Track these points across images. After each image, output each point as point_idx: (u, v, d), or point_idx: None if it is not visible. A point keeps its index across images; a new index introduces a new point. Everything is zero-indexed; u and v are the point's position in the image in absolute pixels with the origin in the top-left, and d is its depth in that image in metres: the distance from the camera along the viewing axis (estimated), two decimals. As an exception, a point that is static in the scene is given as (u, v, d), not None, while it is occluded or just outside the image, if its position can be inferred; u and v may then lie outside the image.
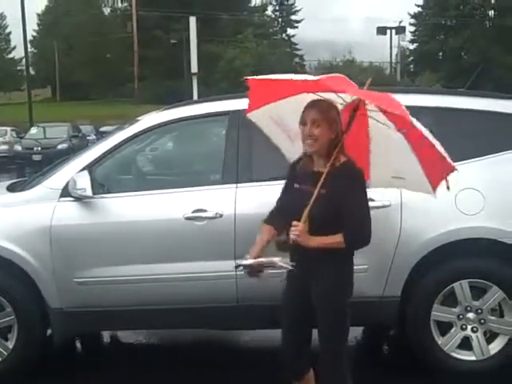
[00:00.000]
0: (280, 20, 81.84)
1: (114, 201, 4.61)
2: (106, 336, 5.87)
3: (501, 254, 4.49)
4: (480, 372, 4.53)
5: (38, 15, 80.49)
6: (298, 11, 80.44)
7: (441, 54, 71.18)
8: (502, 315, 4.57)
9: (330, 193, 3.29)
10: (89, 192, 4.44)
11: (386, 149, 3.45)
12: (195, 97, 25.03)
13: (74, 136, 27.85)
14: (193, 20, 28.44)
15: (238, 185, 4.54)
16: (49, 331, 4.80)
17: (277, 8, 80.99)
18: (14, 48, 77.26)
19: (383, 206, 4.38)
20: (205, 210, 4.47)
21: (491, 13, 69.33)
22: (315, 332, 3.55)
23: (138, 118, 5.15)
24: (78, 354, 5.70)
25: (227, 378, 4.75)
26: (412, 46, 75.14)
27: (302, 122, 3.36)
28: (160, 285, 4.51)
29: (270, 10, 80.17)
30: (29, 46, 40.96)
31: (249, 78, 3.49)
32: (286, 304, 3.60)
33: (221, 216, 4.46)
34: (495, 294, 4.51)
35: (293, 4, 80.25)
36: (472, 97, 4.91)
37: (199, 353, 5.38)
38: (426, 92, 5.02)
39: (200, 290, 4.50)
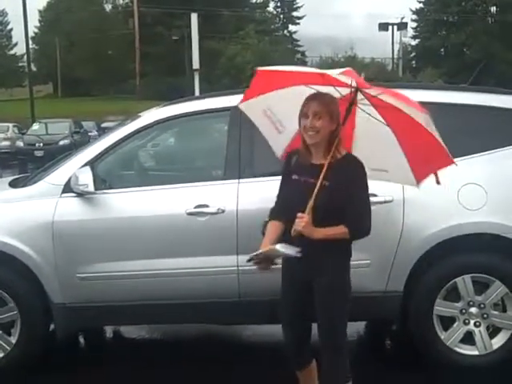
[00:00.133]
0: (282, 16, 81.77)
1: (116, 196, 4.62)
2: (108, 331, 5.88)
3: (503, 249, 4.49)
4: (482, 367, 4.53)
5: (40, 12, 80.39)
6: (299, 7, 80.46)
7: (443, 49, 71.08)
8: (504, 310, 4.57)
9: (333, 184, 3.33)
10: (91, 188, 4.44)
11: (371, 142, 3.49)
12: (197, 93, 25.00)
13: (75, 132, 27.86)
14: (194, 16, 28.40)
15: (240, 180, 4.54)
16: (51, 326, 4.81)
17: (278, 4, 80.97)
18: (16, 44, 77.30)
19: (385, 202, 4.38)
20: (207, 206, 4.47)
21: (493, 9, 69.19)
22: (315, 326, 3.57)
23: (140, 114, 5.15)
24: (81, 349, 5.70)
25: (229, 373, 4.75)
26: (414, 42, 75.15)
27: (303, 115, 3.38)
28: (162, 280, 4.52)
29: (271, 7, 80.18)
30: (30, 42, 40.97)
31: (259, 68, 3.48)
32: (285, 299, 3.61)
33: (223, 211, 4.46)
34: (498, 289, 4.51)
35: (294, 0, 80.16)
36: (474, 92, 4.91)
37: (201, 348, 5.38)
38: (428, 88, 5.01)
39: (202, 285, 4.51)
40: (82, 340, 5.77)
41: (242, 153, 4.59)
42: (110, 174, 4.83)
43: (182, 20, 54.18)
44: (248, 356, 5.14)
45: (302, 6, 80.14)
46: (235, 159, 4.60)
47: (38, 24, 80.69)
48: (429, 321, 4.53)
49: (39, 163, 16.87)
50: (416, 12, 72.27)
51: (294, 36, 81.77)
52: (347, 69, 3.37)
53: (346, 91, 3.49)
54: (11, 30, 79.87)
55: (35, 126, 28.16)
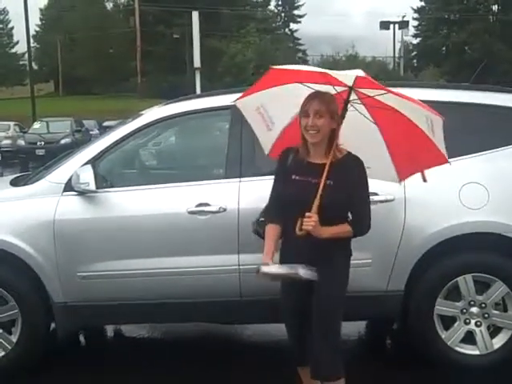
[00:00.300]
0: (283, 15, 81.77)
1: (118, 195, 4.61)
2: (109, 330, 5.89)
3: (505, 249, 4.48)
4: (483, 366, 4.52)
5: (41, 10, 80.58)
6: (300, 6, 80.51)
7: (444, 48, 71.02)
8: (505, 309, 4.57)
9: (336, 183, 3.36)
10: (92, 186, 4.43)
11: (356, 139, 3.50)
12: (198, 92, 25.01)
13: (77, 130, 27.87)
14: (195, 15, 28.43)
15: (242, 179, 4.54)
16: (52, 325, 4.81)
17: (279, 3, 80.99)
18: (17, 43, 77.27)
19: (387, 201, 4.38)
20: (208, 205, 4.47)
21: (495, 7, 69.13)
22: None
23: (141, 112, 5.14)
24: (82, 348, 5.70)
25: (230, 372, 4.75)
26: (415, 41, 75.13)
27: (304, 114, 3.39)
28: (163, 279, 4.51)
29: (272, 5, 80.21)
30: (31, 40, 40.99)
31: (273, 67, 3.50)
32: (285, 298, 3.62)
33: (224, 210, 4.46)
34: (499, 289, 4.50)
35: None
36: (476, 91, 4.90)
37: (202, 347, 5.38)
38: (429, 86, 5.00)
39: (203, 284, 4.50)
40: (82, 339, 5.76)
41: (243, 151, 4.58)
42: (112, 172, 4.83)
43: (183, 18, 54.18)
44: (249, 355, 5.14)
45: (303, 5, 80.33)
46: (236, 158, 4.59)
47: (40, 22, 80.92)
48: (430, 320, 4.52)
49: (40, 162, 16.85)
50: (417, 10, 72.23)
51: (295, 34, 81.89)
52: (361, 75, 3.36)
53: (341, 89, 3.51)
54: (12, 28, 79.89)
55: (36, 125, 28.16)
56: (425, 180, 3.75)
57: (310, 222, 3.29)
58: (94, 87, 68.77)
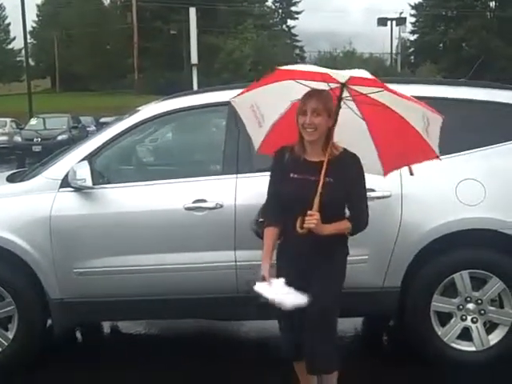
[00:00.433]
0: (280, 11, 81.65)
1: (114, 191, 4.61)
2: (105, 326, 5.88)
3: (501, 245, 4.49)
4: (479, 363, 4.53)
5: (38, 6, 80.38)
6: (298, 2, 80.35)
7: (441, 45, 71.05)
8: (501, 306, 4.58)
9: (334, 181, 3.39)
10: (89, 182, 4.43)
11: (343, 133, 3.52)
12: (195, 88, 24.96)
13: (73, 127, 27.78)
14: (192, 11, 28.32)
15: (239, 175, 4.53)
16: (49, 322, 4.80)
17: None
18: (14, 39, 77.04)
19: (384, 197, 4.38)
20: (205, 201, 4.47)
21: (492, 4, 69.14)
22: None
23: (138, 109, 5.13)
24: (78, 345, 5.70)
25: (227, 369, 4.76)
26: (412, 37, 75.15)
27: (302, 112, 3.40)
28: (160, 275, 4.51)
29: (270, 1, 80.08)
30: (28, 36, 40.89)
31: (280, 67, 3.51)
32: None
33: (221, 206, 4.46)
34: (495, 285, 4.51)
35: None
36: (472, 87, 4.90)
37: (198, 343, 5.38)
38: (425, 82, 5.00)
39: (200, 280, 4.50)
40: (79, 335, 5.76)
41: (240, 147, 4.57)
42: (108, 168, 4.82)
43: (180, 14, 54.14)
44: (245, 352, 5.14)
45: (300, 1, 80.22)
46: (233, 154, 4.59)
47: (36, 18, 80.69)
48: (426, 317, 4.53)
49: (37, 158, 16.83)
50: (415, 7, 72.27)
51: (293, 31, 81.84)
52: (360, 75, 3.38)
53: (334, 86, 3.54)
54: (9, 24, 79.73)
55: (33, 121, 28.07)
56: (411, 173, 3.82)
57: (312, 219, 3.31)
58: (91, 83, 68.62)
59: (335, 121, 3.46)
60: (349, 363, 3.67)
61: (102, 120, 34.13)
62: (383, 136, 3.64)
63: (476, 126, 4.65)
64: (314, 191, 3.34)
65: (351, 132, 3.57)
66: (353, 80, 3.41)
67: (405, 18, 63.56)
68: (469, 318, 4.56)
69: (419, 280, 4.51)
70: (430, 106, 3.43)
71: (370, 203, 3.62)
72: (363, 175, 3.52)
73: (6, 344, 4.65)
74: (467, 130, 4.56)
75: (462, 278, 4.51)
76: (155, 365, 4.88)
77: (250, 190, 4.46)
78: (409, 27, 70.80)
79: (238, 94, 3.79)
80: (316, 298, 3.45)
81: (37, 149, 24.61)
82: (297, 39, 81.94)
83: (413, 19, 72.45)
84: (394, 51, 62.13)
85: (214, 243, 4.48)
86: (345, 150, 3.51)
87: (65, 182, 4.54)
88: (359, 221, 3.52)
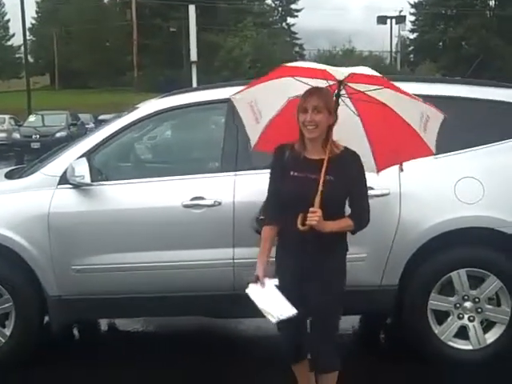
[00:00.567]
0: (280, 9, 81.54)
1: (113, 188, 4.60)
2: (103, 324, 5.88)
3: (499, 243, 4.49)
4: (476, 361, 4.54)
5: (37, 3, 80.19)
6: (297, 0, 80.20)
7: (441, 43, 71.01)
8: (498, 304, 4.58)
9: (337, 179, 3.40)
10: (87, 179, 4.43)
11: (338, 130, 3.52)
12: (194, 86, 24.94)
13: (72, 124, 27.75)
14: (192, 8, 28.26)
15: (237, 173, 4.53)
16: (46, 318, 4.80)
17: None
18: (13, 35, 76.97)
19: (382, 195, 4.38)
20: (203, 198, 4.47)
21: (492, 3, 69.12)
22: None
23: (137, 106, 5.13)
24: (76, 342, 5.70)
25: (224, 366, 4.76)
26: (412, 36, 75.05)
27: (302, 110, 3.40)
28: (158, 272, 4.52)
29: (269, -1, 79.88)
30: (28, 33, 40.83)
31: (285, 64, 3.52)
32: (282, 293, 3.59)
33: (219, 204, 4.45)
34: (493, 284, 4.52)
35: (292, -7, 79.97)
36: (471, 85, 4.90)
37: (196, 341, 5.39)
38: (424, 80, 4.99)
39: (197, 277, 4.50)
40: (76, 333, 5.76)
41: (239, 145, 4.57)
42: (107, 165, 4.81)
43: (180, 12, 54.05)
44: (242, 349, 5.15)
45: (300, -1, 79.96)
46: (232, 151, 4.59)
47: (36, 15, 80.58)
48: (423, 315, 4.53)
49: (35, 155, 16.76)
50: (414, 5, 72.15)
51: (292, 29, 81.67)
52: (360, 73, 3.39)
53: (332, 83, 3.55)
54: (8, 20, 79.62)
55: (32, 118, 28.02)
56: (402, 170, 3.87)
57: (314, 217, 3.31)
58: (90, 81, 68.57)
59: (337, 118, 3.47)
60: (346, 361, 3.67)
61: (101, 117, 34.08)
62: (377, 133, 3.65)
63: (475, 124, 4.65)
64: (315, 189, 3.34)
65: (346, 129, 3.57)
66: (351, 77, 3.41)
67: (404, 17, 63.53)
68: (466, 316, 4.57)
69: (417, 278, 4.52)
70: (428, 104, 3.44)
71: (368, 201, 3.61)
72: (364, 173, 3.52)
73: (3, 341, 4.65)
74: (466, 128, 4.56)
75: (459, 277, 4.51)
76: (152, 362, 4.88)
77: (248, 187, 4.46)
78: (408, 25, 70.78)
79: (239, 91, 3.79)
80: (320, 301, 3.47)
81: (35, 146, 24.58)
82: (296, 37, 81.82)
83: (412, 17, 72.45)
84: (393, 49, 62.15)
85: (212, 241, 4.48)
86: (345, 148, 3.51)
87: (63, 179, 4.54)
88: (361, 219, 3.53)
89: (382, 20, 61.25)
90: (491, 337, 4.57)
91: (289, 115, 3.54)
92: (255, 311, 3.47)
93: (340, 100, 3.54)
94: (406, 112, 3.47)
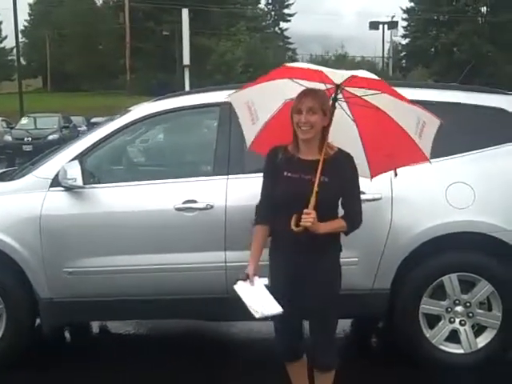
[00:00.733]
0: (273, 13, 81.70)
1: (105, 191, 4.60)
2: (94, 326, 5.87)
3: (490, 248, 4.51)
4: (467, 365, 4.55)
5: (30, 5, 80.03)
6: (290, 5, 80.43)
7: (433, 49, 71.26)
8: (490, 309, 4.60)
9: (331, 180, 3.42)
10: (79, 182, 4.42)
11: (333, 135, 3.54)
12: (187, 89, 24.94)
13: (64, 127, 27.63)
14: (185, 12, 28.32)
15: (229, 176, 4.54)
16: (37, 321, 4.79)
17: (269, 1, 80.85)
18: (5, 38, 76.78)
19: (374, 199, 4.39)
20: (195, 201, 4.47)
21: (484, 9, 69.40)
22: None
23: (129, 109, 5.13)
24: (67, 345, 5.69)
25: (216, 369, 4.76)
26: (404, 41, 75.30)
27: (297, 111, 3.42)
28: (150, 275, 4.51)
29: (262, 3, 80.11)
30: (20, 35, 40.73)
31: (287, 64, 3.54)
32: (278, 292, 3.58)
33: (211, 207, 4.46)
34: (484, 288, 4.53)
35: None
36: (462, 91, 4.92)
37: (188, 343, 5.39)
38: (415, 86, 5.01)
39: (190, 281, 4.50)
40: (68, 335, 5.74)
41: (231, 148, 4.58)
42: (99, 168, 4.82)
43: (172, 15, 54.06)
44: (235, 352, 5.15)
45: (293, 4, 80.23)
46: (224, 155, 4.59)
47: (28, 17, 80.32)
48: (415, 319, 4.55)
49: (27, 158, 16.76)
50: (407, 11, 72.38)
51: (285, 33, 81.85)
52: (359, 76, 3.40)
53: (330, 86, 3.57)
54: (0, 23, 79.23)
55: (24, 121, 27.91)
56: (396, 175, 3.85)
57: (308, 218, 3.33)
58: (83, 84, 68.35)
59: (330, 120, 3.48)
60: (338, 365, 3.68)
61: (93, 120, 34.06)
62: (373, 139, 3.67)
63: (466, 129, 4.66)
64: (309, 190, 3.36)
65: (341, 133, 3.59)
66: (349, 81, 3.43)
67: (396, 22, 63.81)
68: (457, 320, 4.59)
69: (408, 282, 4.53)
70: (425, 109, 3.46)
71: (360, 205, 3.65)
72: (357, 175, 3.55)
73: (-6, 343, 4.63)
74: (457, 133, 4.56)
75: (450, 281, 4.53)
76: (144, 364, 4.87)
77: (240, 191, 4.46)
78: (400, 31, 71.08)
79: (237, 90, 3.81)
80: (316, 299, 3.50)
81: (27, 148, 24.46)
82: (289, 42, 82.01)
83: (405, 23, 72.64)
84: (385, 55, 62.40)
85: (204, 244, 4.48)
86: (339, 149, 3.54)
87: (55, 182, 4.53)
88: (353, 220, 3.55)
89: (374, 25, 61.50)
90: (482, 341, 4.59)
91: (284, 117, 3.55)
92: (247, 314, 3.47)
93: (337, 104, 3.56)
94: (402, 118, 3.49)
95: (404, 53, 76.19)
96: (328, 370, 3.66)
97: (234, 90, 3.87)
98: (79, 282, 4.54)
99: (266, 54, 59.40)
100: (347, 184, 3.50)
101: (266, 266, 3.67)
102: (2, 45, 79.37)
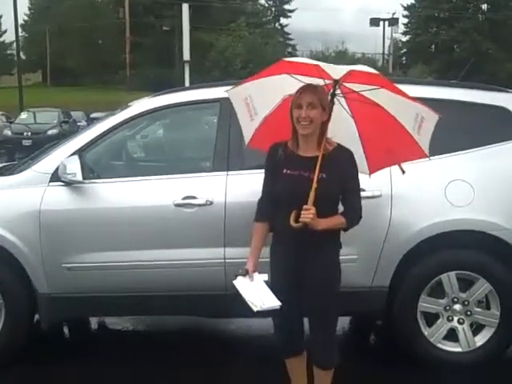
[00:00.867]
0: (273, 9, 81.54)
1: (104, 186, 4.60)
2: (93, 322, 5.87)
3: (489, 246, 4.51)
4: (465, 363, 4.55)
5: (30, -1, 79.88)
6: (291, 0, 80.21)
7: (433, 46, 71.20)
8: (488, 307, 4.60)
9: (330, 176, 3.42)
10: (79, 177, 4.42)
11: (331, 131, 3.54)
12: (187, 85, 24.89)
13: (64, 121, 27.61)
14: (185, 7, 28.19)
15: (229, 172, 4.53)
16: (36, 316, 4.78)
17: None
18: (5, 32, 76.64)
19: (374, 197, 4.39)
20: (195, 197, 4.46)
21: (484, 6, 69.36)
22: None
23: (129, 104, 5.12)
24: (66, 340, 5.69)
25: (215, 366, 4.76)
26: (405, 38, 75.22)
27: (297, 106, 3.42)
28: (149, 271, 4.51)
29: (262, -1, 79.88)
30: (20, 30, 40.62)
31: (285, 59, 3.56)
32: (278, 287, 3.59)
33: (211, 203, 4.45)
34: (482, 286, 4.53)
35: (286, -7, 79.97)
36: (463, 88, 4.91)
37: (187, 340, 5.39)
38: (414, 83, 5.00)
39: (189, 277, 4.50)
40: (66, 331, 5.74)
41: (231, 145, 4.57)
42: (99, 163, 4.81)
43: (173, 10, 53.95)
44: (233, 349, 5.15)
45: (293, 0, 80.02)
46: (224, 151, 4.59)
47: (28, 11, 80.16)
48: (413, 317, 4.55)
49: (27, 152, 16.72)
50: (407, 8, 72.33)
51: (285, 29, 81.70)
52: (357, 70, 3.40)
53: (328, 82, 3.57)
54: (0, 16, 79.15)
55: (23, 115, 27.86)
56: (403, 172, 3.83)
57: (308, 214, 3.33)
58: (83, 78, 68.28)
59: (329, 116, 3.48)
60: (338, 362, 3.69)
61: (93, 115, 33.98)
62: (371, 135, 3.67)
63: (466, 127, 4.66)
64: (308, 187, 3.36)
65: (340, 129, 3.59)
66: (348, 76, 3.42)
67: (397, 19, 63.53)
68: (455, 318, 4.59)
69: (407, 280, 4.53)
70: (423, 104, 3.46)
71: (360, 202, 3.64)
72: (357, 170, 3.56)
73: (-8, 338, 4.63)
74: (457, 131, 4.56)
75: (449, 279, 4.53)
76: (142, 360, 4.87)
77: (240, 187, 4.46)
78: (401, 28, 70.90)
79: (235, 85, 3.80)
80: (317, 296, 3.51)
81: (27, 143, 24.45)
82: (289, 38, 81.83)
83: (405, 20, 72.60)
84: (386, 52, 62.24)
85: (203, 240, 4.47)
86: (339, 145, 3.54)
87: (55, 176, 4.52)
88: (353, 216, 3.55)
89: (374, 22, 61.26)
90: (481, 339, 4.59)
91: (283, 113, 3.55)
92: (246, 311, 3.48)
93: (335, 99, 3.56)
94: (400, 113, 3.49)
95: (404, 50, 76.13)
96: (327, 367, 3.66)
97: (232, 86, 3.86)
98: (78, 278, 4.54)
99: (266, 49, 59.31)
100: (346, 180, 3.50)
101: (266, 263, 3.68)
102: (1, 39, 79.23)
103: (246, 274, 3.59)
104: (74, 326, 5.77)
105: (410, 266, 4.52)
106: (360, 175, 3.62)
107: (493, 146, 4.64)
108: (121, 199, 4.56)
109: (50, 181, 4.56)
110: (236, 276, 3.62)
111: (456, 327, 4.59)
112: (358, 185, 3.58)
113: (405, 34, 74.35)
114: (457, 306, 4.58)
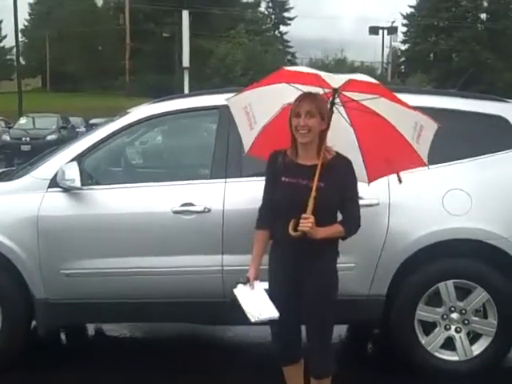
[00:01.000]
0: (273, 17, 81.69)
1: (103, 193, 4.60)
2: (90, 328, 5.86)
3: (486, 255, 4.51)
4: (463, 372, 4.55)
5: (30, 4, 79.94)
6: (291, 8, 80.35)
7: (432, 55, 71.34)
8: (485, 316, 4.60)
9: (328, 185, 3.43)
10: (77, 183, 4.42)
11: (331, 139, 3.55)
12: (186, 92, 24.92)
13: (63, 127, 27.63)
14: (185, 14, 28.28)
15: (227, 180, 4.54)
16: (33, 322, 4.78)
17: (270, 5, 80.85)
18: (5, 37, 76.64)
19: (371, 205, 4.39)
20: (193, 204, 4.47)
21: (483, 16, 69.54)
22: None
23: (128, 111, 5.13)
24: (63, 346, 5.68)
25: (212, 372, 4.75)
26: (404, 47, 75.36)
27: (295, 114, 3.43)
28: (147, 278, 4.50)
29: (262, 7, 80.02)
30: (20, 35, 40.68)
31: (285, 68, 3.57)
32: (276, 295, 3.59)
33: (209, 211, 4.45)
34: (479, 295, 4.53)
35: (286, 1, 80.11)
36: (461, 98, 4.93)
37: (184, 347, 5.38)
38: (413, 92, 5.01)
39: (187, 284, 4.49)
40: (63, 336, 5.73)
41: (229, 152, 4.57)
42: (97, 169, 4.82)
43: (173, 17, 54.04)
44: (231, 356, 5.14)
45: (293, 7, 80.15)
46: (223, 158, 4.59)
47: (28, 17, 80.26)
48: (410, 325, 4.55)
49: (26, 158, 16.71)
50: (406, 17, 72.48)
51: (285, 37, 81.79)
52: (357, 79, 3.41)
53: (328, 91, 3.58)
54: (0, 22, 79.16)
55: (22, 120, 27.86)
56: (400, 181, 3.85)
57: (307, 223, 3.34)
58: (82, 84, 68.29)
59: (328, 124, 3.49)
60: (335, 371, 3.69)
61: (92, 121, 33.98)
62: (370, 143, 3.68)
63: (464, 136, 4.67)
64: (307, 195, 3.37)
65: (339, 138, 3.60)
66: (347, 86, 3.44)
67: (396, 28, 63.78)
68: (453, 327, 4.59)
69: (405, 289, 4.53)
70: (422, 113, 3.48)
71: (358, 210, 3.64)
72: (355, 179, 3.56)
73: (-11, 344, 4.62)
74: (456, 140, 4.57)
75: (446, 288, 4.53)
76: (139, 367, 4.87)
77: (238, 194, 4.47)
78: (400, 37, 71.10)
79: (235, 94, 3.81)
80: (314, 304, 3.50)
81: (25, 148, 24.42)
82: (289, 45, 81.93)
83: (404, 29, 72.71)
84: (384, 60, 62.42)
85: (201, 247, 4.47)
86: (337, 153, 3.55)
87: (53, 182, 4.53)
88: (351, 225, 3.55)
89: (374, 30, 61.48)
90: (478, 348, 4.59)
91: (282, 122, 3.56)
92: (244, 318, 3.48)
93: (334, 108, 3.56)
94: (399, 122, 3.50)
95: (403, 58, 76.25)
96: (324, 376, 3.65)
97: (232, 94, 3.87)
98: (76, 284, 4.54)
99: (266, 57, 59.37)
100: (345, 189, 3.51)
101: (267, 270, 3.68)
102: (1, 44, 79.25)
103: (247, 281, 3.58)
104: (71, 331, 5.76)
105: (408, 275, 4.52)
106: (359, 184, 3.63)
107: (490, 156, 4.66)
108: (119, 206, 4.56)
109: (49, 187, 4.56)
110: (237, 284, 3.61)
111: (453, 336, 4.59)
112: (357, 194, 3.59)
113: (404, 42, 74.52)
114: (454, 315, 4.58)
